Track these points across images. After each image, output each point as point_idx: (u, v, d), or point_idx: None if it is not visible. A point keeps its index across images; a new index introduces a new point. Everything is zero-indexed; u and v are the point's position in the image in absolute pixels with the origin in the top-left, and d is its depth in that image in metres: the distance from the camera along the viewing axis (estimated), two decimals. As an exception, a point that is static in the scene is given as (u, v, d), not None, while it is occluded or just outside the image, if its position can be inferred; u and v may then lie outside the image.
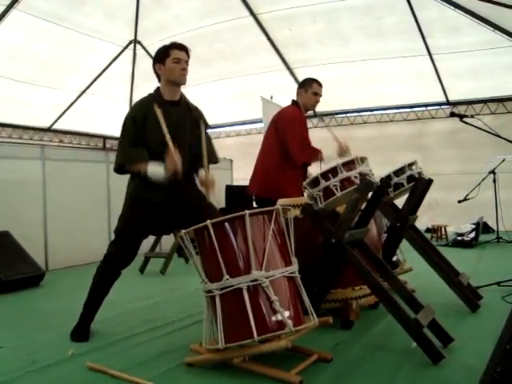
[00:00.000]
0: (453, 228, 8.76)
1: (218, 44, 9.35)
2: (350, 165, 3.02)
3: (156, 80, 3.35)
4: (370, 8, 8.06)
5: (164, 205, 3.23)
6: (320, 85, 4.52)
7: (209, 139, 3.48)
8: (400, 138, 10.08)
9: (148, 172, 3.11)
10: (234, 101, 10.76)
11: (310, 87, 4.47)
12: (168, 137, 3.07)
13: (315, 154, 4.38)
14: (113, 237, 3.38)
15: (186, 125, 3.31)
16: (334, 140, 4.54)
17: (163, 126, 3.08)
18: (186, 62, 3.24)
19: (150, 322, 3.70)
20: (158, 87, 3.33)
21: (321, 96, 4.53)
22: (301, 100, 4.51)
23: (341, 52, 9.16)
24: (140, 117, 3.19)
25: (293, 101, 4.55)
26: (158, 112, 3.10)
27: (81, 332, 3.29)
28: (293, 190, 4.15)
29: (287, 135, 4.31)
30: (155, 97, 3.28)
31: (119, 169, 3.26)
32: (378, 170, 3.36)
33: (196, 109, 3.46)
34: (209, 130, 3.52)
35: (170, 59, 3.18)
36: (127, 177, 3.38)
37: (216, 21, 8.82)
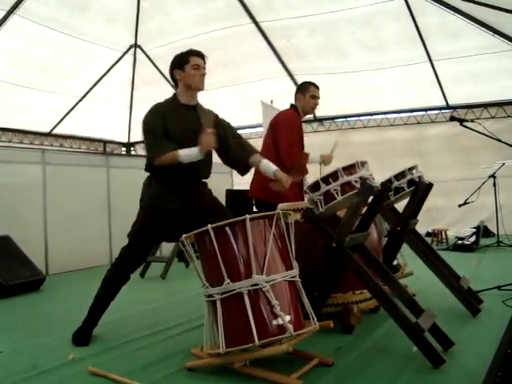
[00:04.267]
0: (453, 232, 8.76)
1: (219, 51, 9.38)
2: (350, 169, 3.02)
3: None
4: (369, 18, 8.10)
5: (182, 212, 3.26)
6: (317, 87, 4.53)
7: (236, 133, 3.57)
8: (400, 142, 10.08)
9: (180, 157, 3.14)
10: (234, 106, 10.75)
11: (307, 91, 4.48)
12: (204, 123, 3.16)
13: (301, 160, 4.38)
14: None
15: (201, 128, 3.33)
16: (332, 148, 4.55)
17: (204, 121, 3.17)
18: (204, 68, 3.29)
19: (150, 326, 3.69)
20: (175, 93, 3.38)
21: (319, 98, 4.54)
22: (299, 104, 4.52)
23: (340, 64, 9.22)
24: (159, 118, 3.22)
25: (291, 105, 4.57)
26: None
27: (83, 336, 3.30)
28: (290, 193, 4.16)
29: (279, 138, 4.34)
30: (172, 100, 3.34)
31: (151, 162, 3.24)
32: (378, 174, 3.36)
33: (212, 112, 3.47)
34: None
35: (190, 65, 3.24)
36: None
37: (216, 27, 8.84)
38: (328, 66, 9.31)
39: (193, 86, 3.28)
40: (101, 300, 3.36)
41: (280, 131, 4.38)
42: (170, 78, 3.41)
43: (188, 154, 3.15)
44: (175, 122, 3.25)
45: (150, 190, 3.33)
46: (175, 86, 3.39)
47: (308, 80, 4.69)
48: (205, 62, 3.31)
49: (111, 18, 8.79)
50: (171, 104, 3.32)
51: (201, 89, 3.32)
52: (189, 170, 3.26)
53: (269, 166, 3.42)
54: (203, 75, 3.28)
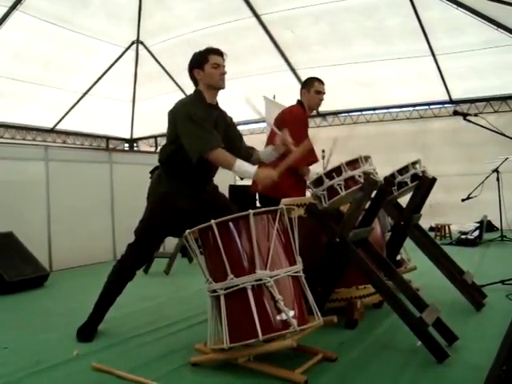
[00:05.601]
0: (456, 227, 8.75)
1: (221, 45, 9.33)
2: (353, 164, 3.01)
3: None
4: (372, 9, 8.06)
5: (192, 211, 3.23)
6: (322, 83, 4.47)
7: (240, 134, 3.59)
8: (403, 137, 10.06)
9: (235, 167, 3.05)
10: (236, 101, 10.72)
11: (312, 86, 4.43)
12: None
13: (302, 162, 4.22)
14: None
15: (221, 129, 3.33)
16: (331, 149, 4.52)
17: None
18: (224, 67, 3.27)
19: (154, 322, 3.70)
20: (199, 90, 3.30)
21: (324, 94, 4.47)
22: (304, 100, 4.47)
23: (343, 54, 9.17)
24: (200, 110, 3.14)
25: (298, 100, 4.52)
26: None
27: (88, 332, 3.30)
28: (292, 188, 4.14)
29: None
30: (200, 99, 3.26)
31: (202, 155, 3.08)
32: (381, 169, 3.35)
33: (225, 112, 3.49)
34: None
35: (209, 64, 3.21)
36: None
37: (219, 22, 8.82)
38: (330, 58, 9.27)
39: (214, 85, 3.25)
40: (106, 296, 3.37)
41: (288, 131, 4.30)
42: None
43: (244, 170, 3.07)
44: (206, 120, 3.18)
45: (160, 187, 3.28)
46: (195, 85, 3.32)
47: (311, 74, 4.64)
48: (224, 60, 3.28)
49: (113, 14, 8.79)
50: (200, 101, 3.24)
51: (222, 87, 3.29)
52: (201, 170, 3.23)
53: (266, 151, 3.49)
54: (223, 74, 3.25)
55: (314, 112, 4.65)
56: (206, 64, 3.22)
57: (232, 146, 3.35)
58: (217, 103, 3.38)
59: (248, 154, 3.47)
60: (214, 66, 3.21)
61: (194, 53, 3.31)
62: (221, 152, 3.07)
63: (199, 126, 3.08)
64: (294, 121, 4.33)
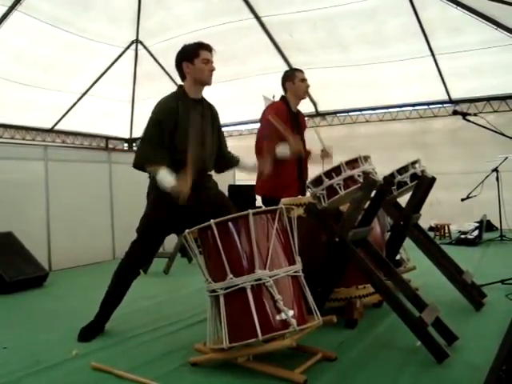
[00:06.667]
0: (456, 226, 8.75)
1: (220, 45, 9.32)
2: (353, 163, 3.01)
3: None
4: (371, 13, 8.05)
5: (192, 207, 3.23)
6: (301, 71, 4.50)
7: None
8: (402, 136, 10.05)
9: (157, 177, 3.10)
10: (236, 101, 10.73)
11: (294, 77, 4.42)
12: (190, 156, 3.09)
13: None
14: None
15: (209, 122, 3.38)
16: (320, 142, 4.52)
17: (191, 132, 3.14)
18: (212, 63, 3.29)
19: (153, 321, 3.70)
20: (181, 85, 3.36)
21: (307, 80, 4.48)
22: (292, 92, 4.45)
23: (342, 57, 9.16)
24: (168, 121, 3.17)
25: (281, 96, 4.53)
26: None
27: (94, 331, 3.32)
28: (277, 186, 4.13)
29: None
30: (180, 95, 3.30)
31: (138, 167, 3.27)
32: (381, 168, 3.35)
33: (213, 106, 3.52)
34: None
35: (200, 59, 3.23)
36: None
37: (218, 22, 8.81)
38: (330, 60, 9.25)
39: (202, 80, 3.28)
40: (113, 295, 3.38)
41: (260, 124, 4.46)
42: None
43: (162, 181, 3.09)
44: (186, 116, 3.22)
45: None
46: (182, 78, 3.36)
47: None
48: (212, 56, 3.30)
49: (113, 14, 8.76)
50: (181, 98, 3.28)
51: (209, 84, 3.32)
52: (196, 164, 3.24)
53: (245, 165, 3.72)
54: (212, 70, 3.28)
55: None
56: (196, 58, 3.24)
57: (219, 147, 3.51)
58: (202, 97, 3.41)
59: (233, 161, 3.69)
60: (204, 62, 3.24)
61: (184, 45, 3.33)
62: (155, 167, 3.13)
63: (153, 137, 3.18)
64: (264, 116, 4.35)
